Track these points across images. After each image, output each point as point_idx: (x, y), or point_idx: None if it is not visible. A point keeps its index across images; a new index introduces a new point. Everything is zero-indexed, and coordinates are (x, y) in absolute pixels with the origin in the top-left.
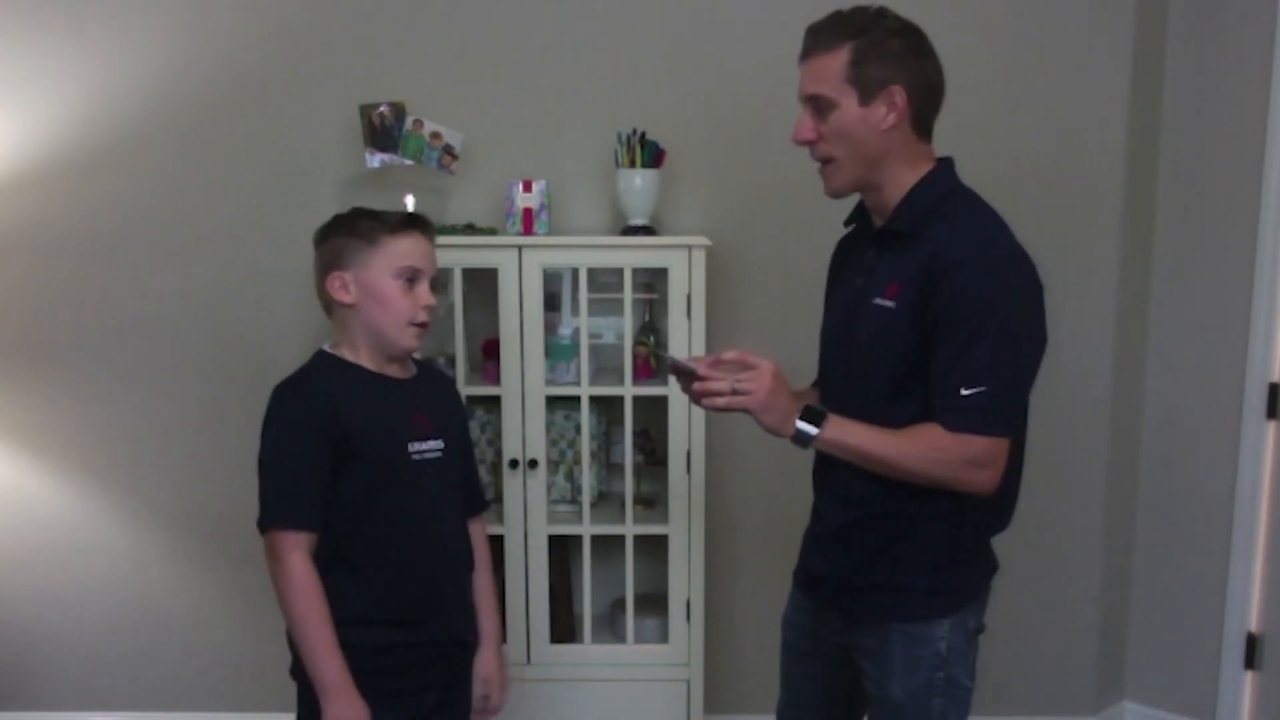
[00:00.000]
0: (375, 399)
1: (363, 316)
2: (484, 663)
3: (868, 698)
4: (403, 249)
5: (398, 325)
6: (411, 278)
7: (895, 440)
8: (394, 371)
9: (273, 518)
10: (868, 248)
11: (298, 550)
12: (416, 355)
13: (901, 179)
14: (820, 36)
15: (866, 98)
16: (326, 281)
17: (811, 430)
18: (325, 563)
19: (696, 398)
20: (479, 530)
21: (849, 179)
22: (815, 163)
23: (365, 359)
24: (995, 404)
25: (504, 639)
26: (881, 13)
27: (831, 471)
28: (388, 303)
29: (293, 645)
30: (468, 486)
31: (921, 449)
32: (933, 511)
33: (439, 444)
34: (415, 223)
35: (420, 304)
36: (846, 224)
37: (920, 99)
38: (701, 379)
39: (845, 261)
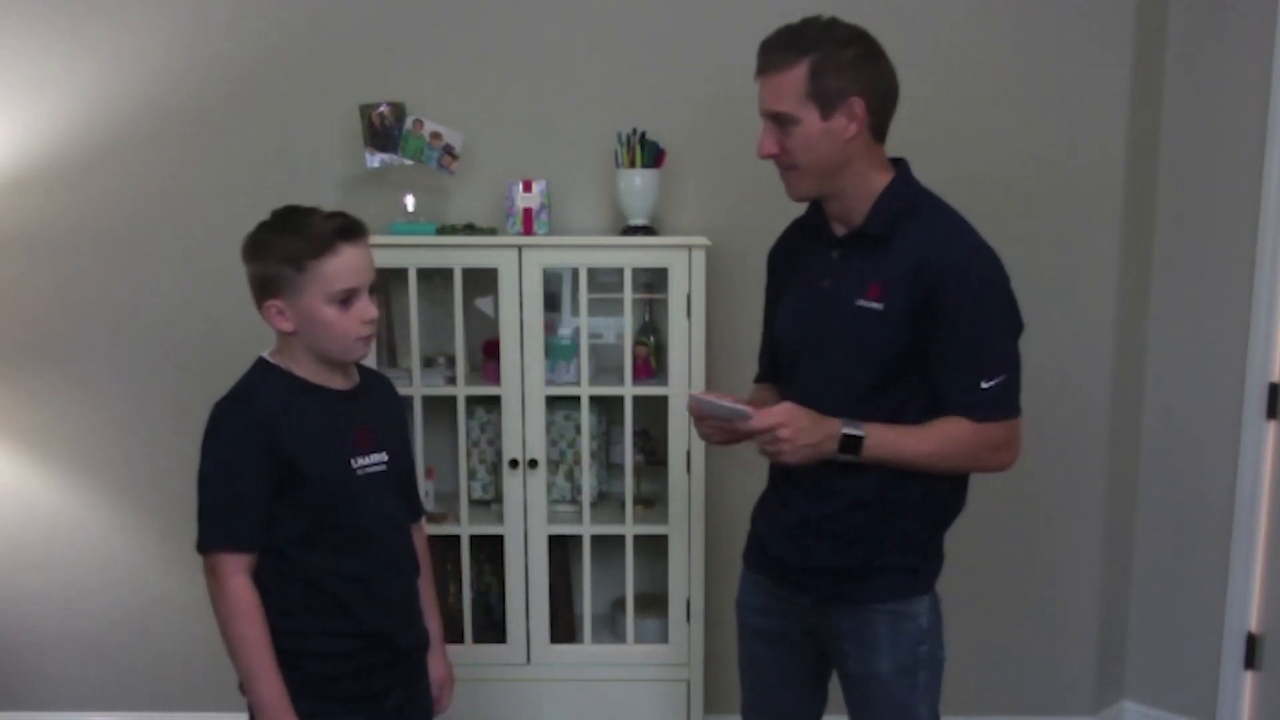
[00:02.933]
0: (318, 415)
1: (305, 341)
2: (432, 665)
3: (829, 674)
4: (334, 271)
5: (342, 346)
6: (347, 298)
7: (928, 441)
8: (337, 383)
9: (213, 540)
10: (828, 250)
11: (239, 572)
12: (364, 361)
13: (864, 183)
14: (775, 53)
15: (827, 111)
16: (263, 309)
17: (852, 458)
18: (280, 579)
19: (710, 438)
20: (420, 536)
21: (812, 186)
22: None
23: (307, 372)
24: (1010, 390)
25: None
26: (833, 23)
27: (800, 467)
28: (328, 328)
29: None
30: (409, 494)
31: (953, 447)
32: (908, 498)
33: (383, 457)
34: (344, 235)
35: (362, 319)
36: (802, 225)
37: (877, 105)
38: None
39: (793, 264)
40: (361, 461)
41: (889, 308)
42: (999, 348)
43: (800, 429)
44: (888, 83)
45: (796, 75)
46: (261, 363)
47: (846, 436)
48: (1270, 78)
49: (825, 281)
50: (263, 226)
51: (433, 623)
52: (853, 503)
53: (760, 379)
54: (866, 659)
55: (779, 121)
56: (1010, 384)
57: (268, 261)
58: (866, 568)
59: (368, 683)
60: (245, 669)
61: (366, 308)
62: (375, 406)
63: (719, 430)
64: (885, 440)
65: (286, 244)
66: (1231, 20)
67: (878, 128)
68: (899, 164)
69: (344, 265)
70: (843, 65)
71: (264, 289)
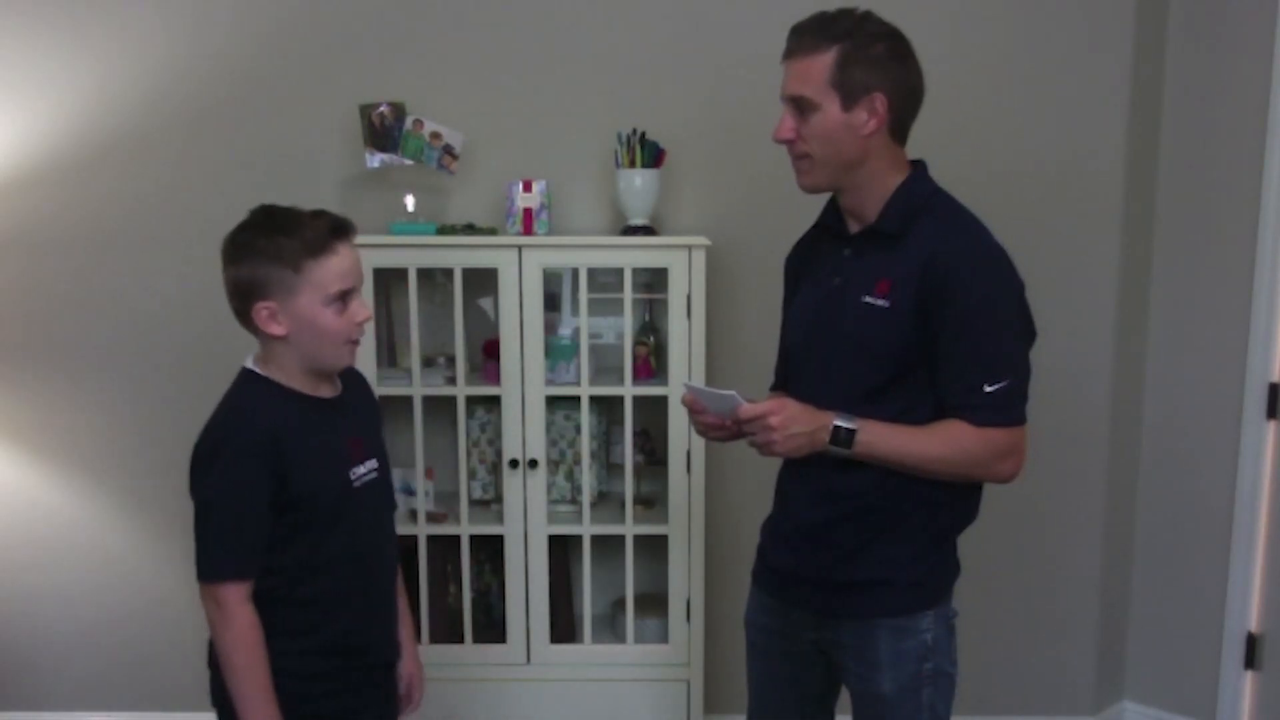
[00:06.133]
0: (314, 429)
1: (296, 345)
2: (403, 665)
3: (837, 692)
4: (331, 272)
5: (334, 349)
6: (343, 298)
7: (926, 442)
8: (325, 390)
9: (219, 570)
10: (842, 248)
11: (243, 601)
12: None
13: (882, 181)
14: (805, 37)
15: (848, 103)
16: (252, 312)
17: (845, 451)
18: (270, 599)
19: (707, 434)
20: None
21: (823, 178)
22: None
23: (297, 382)
24: (1015, 396)
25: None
26: (867, 16)
27: (804, 467)
28: (323, 331)
29: (213, 669)
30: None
31: (952, 450)
32: (912, 506)
33: (374, 464)
34: (338, 234)
35: (356, 321)
36: (818, 226)
37: (900, 105)
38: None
39: (807, 265)
40: (359, 472)
41: (896, 305)
42: (1004, 351)
43: (790, 418)
44: (913, 83)
45: (823, 62)
46: (248, 375)
47: (839, 429)
48: (1270, 78)
49: (836, 279)
50: (245, 227)
51: (404, 621)
52: (853, 509)
53: (775, 388)
54: (868, 676)
55: (799, 106)
56: (1015, 390)
57: (256, 263)
58: (867, 581)
59: (349, 699)
60: (244, 699)
61: (360, 309)
62: (359, 410)
63: (716, 426)
64: (880, 437)
65: (279, 244)
66: (1231, 20)
67: (898, 127)
68: (917, 165)
69: (341, 265)
70: (871, 59)
71: (252, 291)
